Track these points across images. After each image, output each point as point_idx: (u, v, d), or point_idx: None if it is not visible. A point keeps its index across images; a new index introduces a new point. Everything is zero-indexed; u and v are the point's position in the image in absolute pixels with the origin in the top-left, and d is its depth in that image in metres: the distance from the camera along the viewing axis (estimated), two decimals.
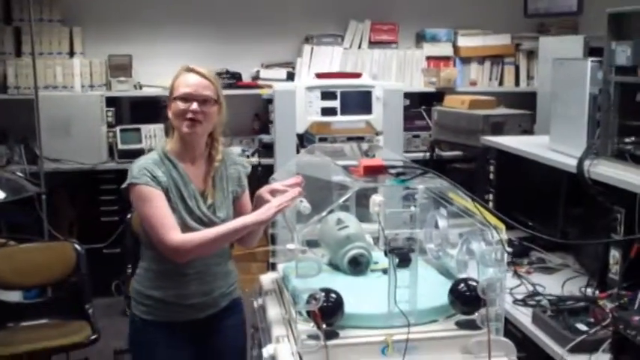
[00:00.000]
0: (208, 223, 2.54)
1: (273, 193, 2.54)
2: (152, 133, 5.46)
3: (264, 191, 2.58)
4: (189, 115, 2.49)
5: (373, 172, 2.23)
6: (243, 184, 2.74)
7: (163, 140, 2.64)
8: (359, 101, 3.89)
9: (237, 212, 2.67)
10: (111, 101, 5.58)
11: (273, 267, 2.84)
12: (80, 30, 5.64)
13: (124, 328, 4.80)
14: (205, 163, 2.63)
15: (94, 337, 3.67)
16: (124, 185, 2.52)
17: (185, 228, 2.48)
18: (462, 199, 2.29)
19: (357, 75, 4.20)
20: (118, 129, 5.47)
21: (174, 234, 2.43)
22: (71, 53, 5.61)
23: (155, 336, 2.60)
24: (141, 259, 2.67)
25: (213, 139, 2.64)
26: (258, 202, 2.60)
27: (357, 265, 2.47)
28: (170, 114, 2.55)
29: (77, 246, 3.93)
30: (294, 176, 2.59)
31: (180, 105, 2.49)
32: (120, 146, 5.40)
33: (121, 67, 5.62)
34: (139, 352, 2.70)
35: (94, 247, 4.82)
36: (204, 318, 2.64)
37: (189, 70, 2.56)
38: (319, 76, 4.10)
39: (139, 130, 5.48)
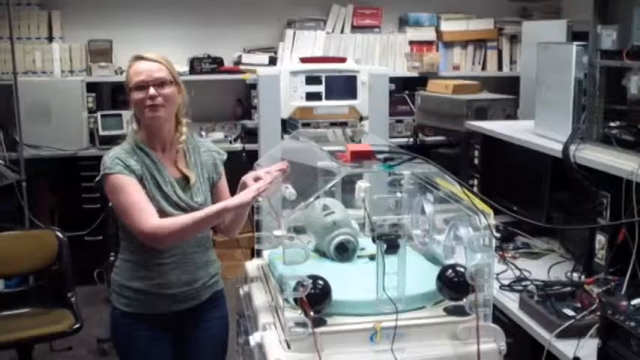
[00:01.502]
0: (186, 209, 2.52)
1: (258, 179, 2.51)
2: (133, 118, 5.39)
3: (248, 178, 2.55)
4: (149, 102, 2.47)
5: (360, 157, 2.21)
6: (219, 170, 2.72)
7: (131, 131, 2.59)
8: (344, 86, 3.87)
9: (216, 199, 2.65)
10: (91, 87, 5.53)
11: (258, 254, 2.82)
12: (59, 14, 5.58)
13: (106, 316, 4.74)
14: (175, 148, 2.61)
15: (77, 325, 3.63)
16: (97, 178, 2.51)
17: (163, 214, 2.46)
18: (448, 185, 2.27)
19: (342, 59, 4.17)
20: (98, 115, 5.41)
21: (151, 219, 2.41)
22: (50, 38, 5.54)
23: (136, 328, 2.57)
24: (120, 251, 2.64)
25: (177, 122, 2.61)
26: (242, 189, 2.58)
27: (344, 252, 2.45)
28: (131, 105, 2.53)
29: (59, 234, 3.89)
30: (279, 162, 2.57)
31: (138, 94, 2.47)
32: (101, 132, 5.34)
33: (101, 52, 5.56)
34: (121, 345, 2.67)
35: (76, 235, 4.77)
36: (186, 310, 2.61)
37: (139, 57, 2.53)
38: (304, 60, 4.07)
39: (120, 115, 5.42)
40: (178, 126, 2.61)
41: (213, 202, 2.62)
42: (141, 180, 2.48)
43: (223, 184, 2.73)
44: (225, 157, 2.76)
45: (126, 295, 2.57)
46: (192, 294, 2.62)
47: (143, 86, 2.46)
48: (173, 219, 2.44)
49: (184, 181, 2.58)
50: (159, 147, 2.57)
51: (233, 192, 2.68)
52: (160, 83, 2.48)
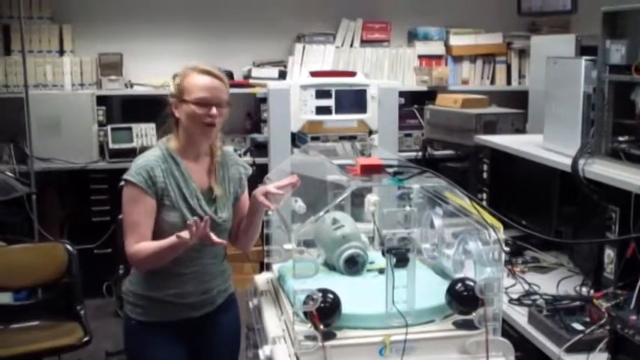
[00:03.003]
0: (210, 223, 2.53)
1: (267, 195, 2.52)
2: (143, 132, 5.42)
3: (258, 192, 2.57)
4: (208, 120, 2.47)
5: (370, 171, 2.22)
6: (244, 184, 2.73)
7: (165, 138, 2.59)
8: (354, 100, 3.87)
9: (237, 212, 2.66)
10: (101, 100, 5.55)
11: (267, 267, 2.82)
12: (70, 28, 5.61)
13: (115, 329, 4.81)
14: (207, 159, 2.62)
15: (85, 338, 3.63)
16: (122, 182, 2.51)
17: (186, 226, 2.46)
18: (458, 199, 2.28)
19: (352, 73, 4.18)
20: (108, 128, 5.43)
21: (134, 241, 2.45)
22: (61, 51, 5.57)
23: (153, 337, 2.58)
24: None
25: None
26: (252, 203, 2.60)
27: (354, 265, 2.46)
28: (181, 115, 2.51)
29: (68, 246, 3.89)
30: (289, 176, 2.58)
31: (198, 110, 2.46)
32: (111, 145, 5.35)
33: (111, 66, 5.59)
34: (138, 355, 2.66)
35: (85, 248, 4.78)
36: (202, 316, 2.62)
37: (204, 71, 2.51)
38: (314, 74, 4.07)
39: (130, 129, 5.44)
40: (214, 140, 2.63)
41: (234, 215, 2.64)
42: (162, 191, 2.47)
43: (245, 198, 2.73)
44: (250, 172, 2.77)
45: (142, 305, 2.57)
46: (208, 301, 2.64)
47: (205, 104, 2.46)
48: (144, 247, 2.45)
49: (210, 194, 2.59)
50: (192, 157, 2.57)
51: None
52: (220, 103, 2.50)
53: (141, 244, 2.45)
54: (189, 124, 2.50)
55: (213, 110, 2.46)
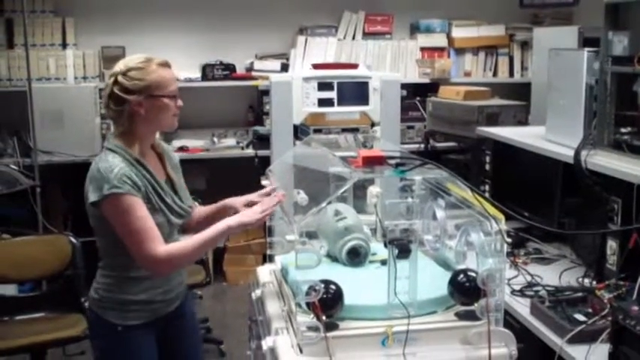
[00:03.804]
0: (184, 215, 2.55)
1: (250, 205, 2.53)
2: None
3: (238, 203, 2.57)
4: (176, 112, 2.50)
5: (372, 162, 2.22)
6: (179, 168, 2.72)
7: (110, 138, 2.49)
8: (356, 92, 3.87)
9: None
10: None
11: (270, 259, 2.83)
12: (73, 21, 5.62)
13: None
14: (151, 152, 2.58)
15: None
16: (96, 199, 2.36)
17: (170, 226, 2.48)
18: (460, 190, 2.28)
19: (354, 66, 4.18)
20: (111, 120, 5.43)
21: (160, 246, 2.36)
22: (64, 45, 5.59)
23: (141, 339, 2.55)
24: (107, 269, 2.56)
25: None
26: (223, 211, 2.61)
27: (356, 256, 2.46)
28: (147, 111, 2.43)
29: (72, 239, 3.90)
30: (290, 169, 2.59)
31: (170, 102, 2.47)
32: None
33: (114, 59, 5.51)
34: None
35: (89, 240, 4.78)
36: (174, 309, 2.65)
37: (166, 64, 2.49)
38: (316, 66, 4.07)
39: None
40: None
41: None
42: (145, 196, 2.41)
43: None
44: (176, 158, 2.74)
45: (132, 309, 2.52)
46: (183, 290, 2.69)
47: (175, 96, 2.49)
48: (180, 247, 2.42)
49: (170, 185, 2.58)
50: (145, 154, 2.51)
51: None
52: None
53: (174, 245, 2.42)
54: (160, 117, 2.47)
55: (179, 101, 2.50)
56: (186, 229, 2.69)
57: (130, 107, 2.43)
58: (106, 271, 2.56)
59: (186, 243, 2.43)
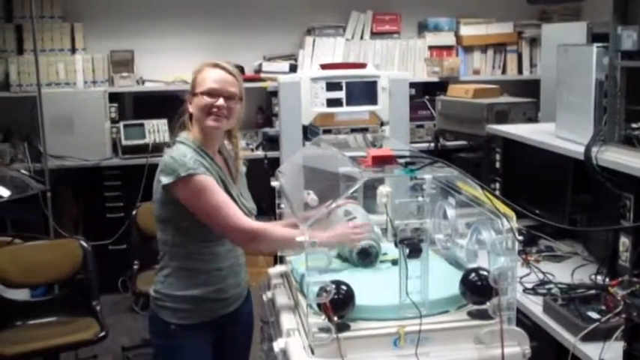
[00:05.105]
0: (247, 215, 2.55)
1: None
2: (156, 128, 5.44)
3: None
4: (215, 110, 2.49)
5: (382, 162, 2.21)
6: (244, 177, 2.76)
7: (183, 135, 2.57)
8: (364, 92, 3.86)
9: None
10: (113, 97, 5.58)
11: (281, 260, 2.83)
12: (81, 26, 5.63)
13: (131, 324, 4.85)
14: (220, 157, 2.63)
15: (102, 334, 3.66)
16: (170, 180, 2.41)
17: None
18: (470, 188, 2.27)
19: (362, 65, 4.18)
20: (121, 124, 5.46)
21: (248, 220, 2.44)
22: (73, 49, 5.60)
23: (194, 339, 2.56)
24: (166, 260, 2.59)
25: (231, 135, 2.66)
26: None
27: (367, 257, 2.45)
28: (193, 108, 2.54)
29: (83, 243, 3.92)
30: (300, 169, 2.59)
31: (206, 99, 2.49)
32: (124, 142, 5.38)
33: (123, 63, 5.62)
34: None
35: (100, 244, 4.81)
36: (232, 311, 2.64)
37: (215, 65, 2.55)
38: (324, 67, 4.07)
39: (142, 125, 5.46)
40: (232, 139, 2.67)
41: None
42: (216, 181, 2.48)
43: None
44: (245, 169, 2.78)
45: (184, 308, 2.53)
46: (240, 294, 2.67)
47: (213, 94, 2.49)
48: (268, 226, 2.46)
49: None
50: (211, 152, 2.57)
51: (256, 200, 2.71)
52: (229, 97, 2.51)
53: (262, 223, 2.46)
54: (199, 114, 2.52)
55: (220, 101, 2.49)
56: None
57: (185, 105, 2.58)
58: (164, 262, 2.59)
59: (274, 227, 2.49)
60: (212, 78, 2.51)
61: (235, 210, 2.43)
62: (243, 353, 2.80)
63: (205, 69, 2.55)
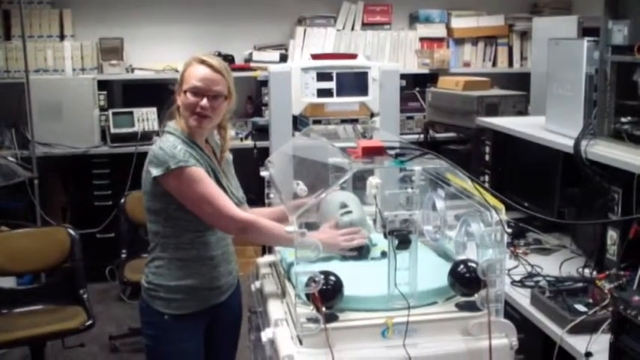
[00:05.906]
0: (238, 205, 2.55)
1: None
2: (145, 116, 5.42)
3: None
4: (198, 110, 2.46)
5: (372, 153, 2.21)
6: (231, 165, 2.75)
7: (172, 124, 2.54)
8: (355, 82, 3.84)
9: None
10: (103, 84, 5.55)
11: (269, 250, 2.83)
12: (70, 12, 5.60)
13: (118, 313, 4.84)
14: (208, 146, 2.62)
15: (89, 322, 3.64)
16: (160, 172, 2.38)
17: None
18: (459, 180, 2.27)
19: (353, 56, 4.15)
20: (110, 112, 5.43)
21: (239, 210, 2.45)
22: (61, 36, 5.57)
23: (187, 330, 2.55)
24: (157, 251, 2.56)
25: (220, 127, 2.64)
26: (284, 218, 2.53)
27: (358, 253, 2.44)
28: (180, 102, 2.51)
29: (71, 231, 3.90)
30: (290, 159, 2.58)
31: (190, 98, 2.46)
32: (112, 130, 5.36)
33: (112, 50, 5.58)
34: (172, 352, 2.58)
35: (88, 232, 4.79)
36: (225, 300, 2.64)
37: (202, 61, 2.49)
38: (315, 57, 4.04)
39: (131, 113, 5.44)
40: (221, 130, 2.64)
41: None
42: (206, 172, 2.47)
43: None
44: (231, 156, 2.76)
45: (177, 298, 2.52)
46: (232, 282, 2.67)
47: (197, 93, 2.45)
48: (257, 219, 2.46)
49: (223, 174, 2.62)
50: (199, 142, 2.55)
51: (245, 190, 2.70)
52: (214, 96, 2.48)
53: (252, 216, 2.47)
54: (184, 111, 2.49)
55: (204, 101, 2.45)
56: None
57: (174, 96, 2.56)
58: (156, 253, 2.56)
59: (264, 220, 2.47)
60: (197, 76, 2.46)
61: (226, 201, 2.43)
62: (232, 343, 2.79)
63: (193, 64, 2.50)
